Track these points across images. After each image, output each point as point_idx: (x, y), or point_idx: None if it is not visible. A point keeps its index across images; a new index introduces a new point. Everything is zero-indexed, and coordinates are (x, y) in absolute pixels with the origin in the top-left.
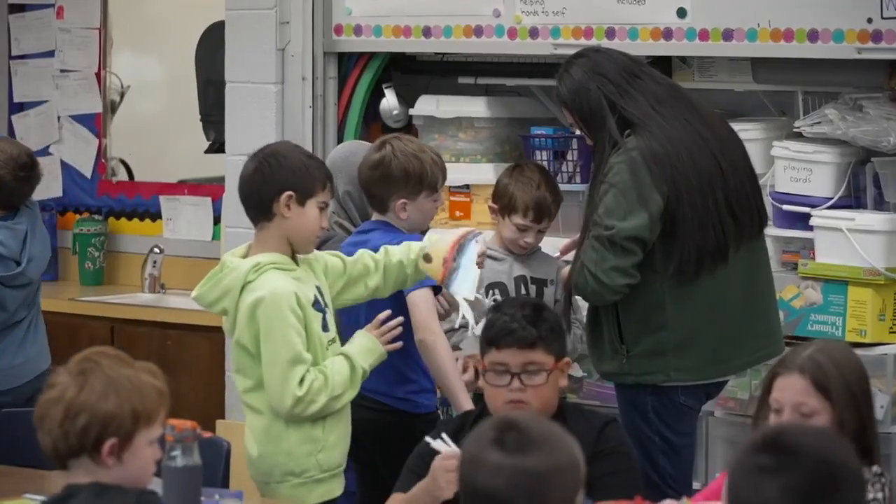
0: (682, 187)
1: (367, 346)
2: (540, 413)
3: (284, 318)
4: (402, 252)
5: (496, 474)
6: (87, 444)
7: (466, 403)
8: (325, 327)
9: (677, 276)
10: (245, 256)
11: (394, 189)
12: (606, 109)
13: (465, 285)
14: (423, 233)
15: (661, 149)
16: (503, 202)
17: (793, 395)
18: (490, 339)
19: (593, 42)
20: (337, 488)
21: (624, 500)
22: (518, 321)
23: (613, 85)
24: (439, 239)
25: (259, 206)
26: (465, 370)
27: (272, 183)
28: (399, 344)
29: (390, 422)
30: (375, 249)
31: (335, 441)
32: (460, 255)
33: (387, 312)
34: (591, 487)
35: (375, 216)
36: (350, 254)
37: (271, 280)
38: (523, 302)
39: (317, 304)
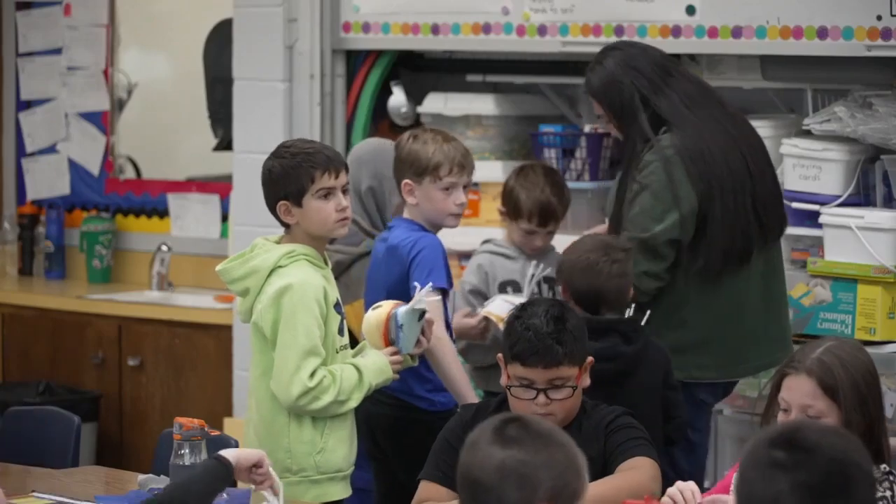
0: (716, 187)
1: (379, 366)
2: (564, 416)
3: (309, 308)
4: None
5: (485, 463)
6: None
7: (472, 400)
8: (339, 331)
9: (702, 275)
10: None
11: (401, 171)
12: (639, 104)
13: (410, 343)
14: (437, 229)
15: (697, 147)
16: (509, 206)
17: (800, 396)
18: (514, 355)
19: (602, 40)
20: (335, 492)
21: (639, 457)
22: (542, 339)
23: (647, 80)
24: (366, 327)
25: (277, 219)
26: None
27: (269, 199)
28: (397, 376)
29: (407, 418)
30: (395, 245)
31: (334, 445)
32: (395, 325)
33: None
34: (608, 459)
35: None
36: (378, 250)
37: (302, 270)
38: (546, 310)
39: (338, 307)
